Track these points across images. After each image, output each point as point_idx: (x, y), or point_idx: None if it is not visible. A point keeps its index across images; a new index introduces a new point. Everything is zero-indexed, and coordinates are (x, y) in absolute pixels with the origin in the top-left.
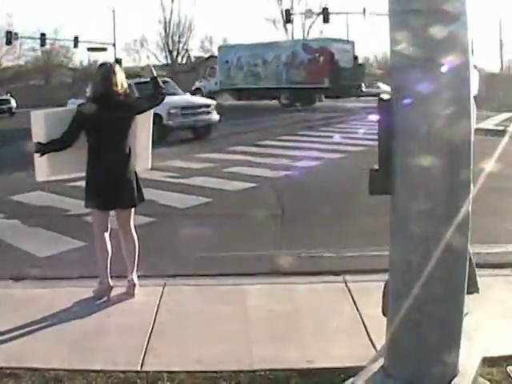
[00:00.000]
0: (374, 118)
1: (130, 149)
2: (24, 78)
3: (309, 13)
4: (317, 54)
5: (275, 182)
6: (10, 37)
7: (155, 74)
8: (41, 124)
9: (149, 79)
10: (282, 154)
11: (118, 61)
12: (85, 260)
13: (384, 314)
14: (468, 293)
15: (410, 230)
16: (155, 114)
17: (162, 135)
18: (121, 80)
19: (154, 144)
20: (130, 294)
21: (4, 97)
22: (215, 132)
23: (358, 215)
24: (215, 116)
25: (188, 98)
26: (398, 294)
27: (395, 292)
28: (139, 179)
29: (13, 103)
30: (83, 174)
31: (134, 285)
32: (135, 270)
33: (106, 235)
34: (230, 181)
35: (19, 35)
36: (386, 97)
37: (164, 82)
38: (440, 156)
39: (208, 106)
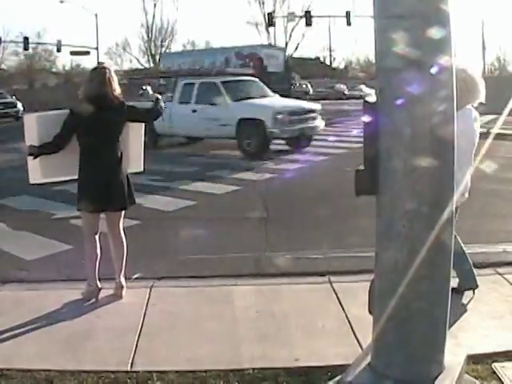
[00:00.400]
0: (339, 119)
1: (121, 152)
2: (7, 83)
3: (291, 16)
4: (247, 60)
5: (259, 185)
6: None
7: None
8: (33, 127)
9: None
10: (266, 156)
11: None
12: (72, 263)
13: (370, 313)
14: (468, 289)
15: (395, 230)
16: (255, 120)
17: (264, 145)
18: (116, 83)
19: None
20: (118, 295)
21: (9, 99)
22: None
23: (342, 217)
24: (321, 123)
25: (294, 102)
26: (383, 292)
27: (381, 290)
28: (131, 182)
29: (19, 107)
30: (74, 177)
31: (122, 286)
32: (123, 272)
33: (96, 238)
34: (215, 184)
35: (1, 39)
36: (370, 99)
37: (157, 100)
38: (424, 157)
39: (314, 111)
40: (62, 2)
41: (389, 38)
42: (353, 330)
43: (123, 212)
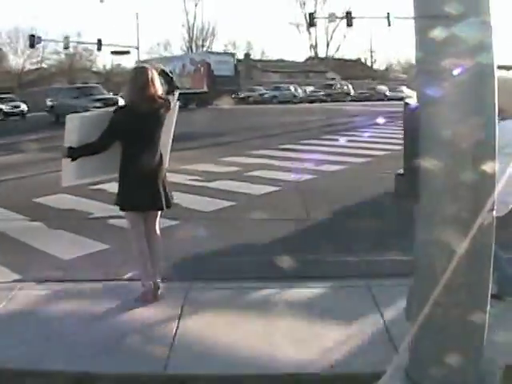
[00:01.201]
0: (381, 120)
1: (161, 151)
2: (47, 81)
3: (332, 17)
4: (199, 65)
5: (300, 186)
6: (34, 40)
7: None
8: (75, 128)
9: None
10: (306, 158)
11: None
12: (108, 262)
13: (407, 319)
14: (508, 296)
15: (434, 235)
16: None
17: None
18: (158, 83)
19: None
20: (154, 297)
21: (16, 103)
22: None
23: (382, 219)
24: None
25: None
26: (422, 299)
27: (419, 297)
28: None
29: (24, 107)
30: (105, 177)
31: (158, 288)
32: (159, 274)
33: (143, 237)
34: (254, 184)
35: (42, 38)
36: (411, 101)
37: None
38: (465, 161)
39: None
40: (102, 1)
41: (429, 39)
42: (389, 336)
43: (159, 212)
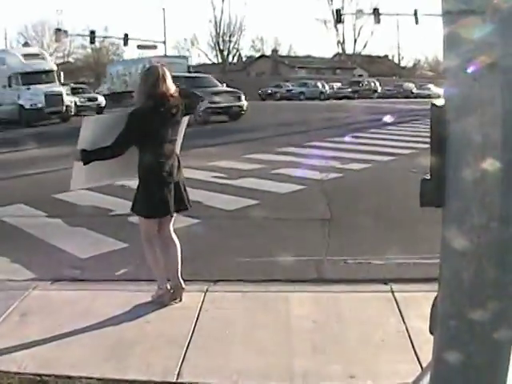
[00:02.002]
0: (388, 119)
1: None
2: (73, 76)
3: (359, 13)
4: None
5: (324, 185)
6: (60, 34)
7: None
8: (90, 130)
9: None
10: (333, 155)
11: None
12: (126, 262)
13: (431, 332)
14: None
15: (462, 246)
16: None
17: None
18: (170, 81)
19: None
20: (177, 297)
21: (92, 95)
22: None
23: (408, 221)
24: None
25: None
26: (447, 312)
27: (444, 310)
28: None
29: (101, 100)
30: (113, 181)
31: (183, 288)
32: (180, 274)
33: (157, 240)
34: (278, 182)
35: (68, 33)
36: (438, 102)
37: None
38: (495, 167)
39: None
40: None
41: (458, 35)
42: (413, 346)
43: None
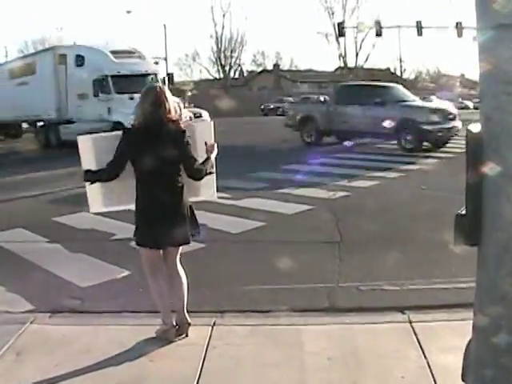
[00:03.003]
0: (348, 144)
1: (182, 182)
2: None
3: (361, 26)
4: None
5: (332, 204)
6: None
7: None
8: (89, 150)
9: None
10: (338, 172)
11: (170, 75)
12: (128, 292)
13: (463, 380)
14: None
15: (500, 290)
16: None
17: None
18: (173, 105)
19: None
20: (183, 333)
21: (196, 110)
22: None
23: (422, 242)
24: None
25: None
26: (482, 360)
27: (479, 358)
28: (194, 211)
29: (205, 115)
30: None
31: (189, 323)
32: (186, 308)
33: (160, 274)
34: (285, 202)
35: None
36: (475, 128)
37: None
38: None
39: None
40: (129, 12)
41: (498, 54)
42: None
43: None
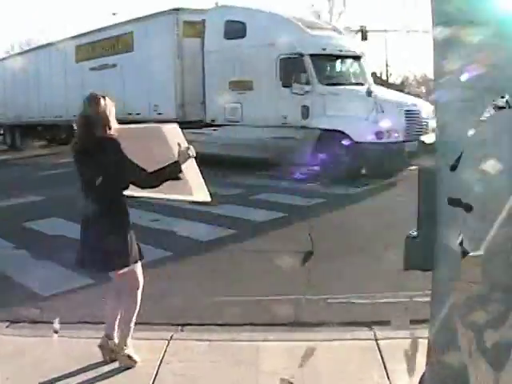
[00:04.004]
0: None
1: (112, 201)
2: None
3: (347, 31)
4: None
5: (306, 212)
6: None
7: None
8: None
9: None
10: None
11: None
12: (89, 302)
13: None
14: None
15: (453, 321)
16: None
17: None
18: (109, 117)
19: None
20: (117, 360)
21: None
22: None
23: (396, 253)
24: None
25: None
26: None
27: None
28: (129, 240)
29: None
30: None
31: (118, 353)
32: (122, 338)
33: (111, 294)
34: (258, 209)
35: None
36: (427, 139)
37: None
38: (499, 224)
39: None
40: (114, 14)
41: (453, 52)
42: None
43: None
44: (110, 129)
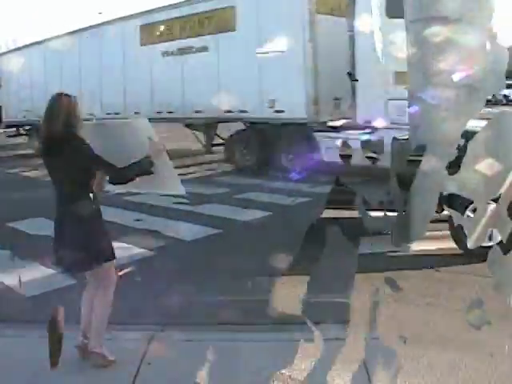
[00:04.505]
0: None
1: (83, 198)
2: None
3: None
4: None
5: (291, 211)
6: None
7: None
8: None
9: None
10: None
11: None
12: (72, 302)
13: None
14: None
15: None
16: None
17: None
18: (75, 117)
19: None
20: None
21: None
22: None
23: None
24: None
25: None
26: None
27: None
28: (105, 235)
29: None
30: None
31: (91, 352)
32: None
33: (84, 294)
34: (243, 209)
35: None
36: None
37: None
38: None
39: None
40: (100, 13)
41: (424, 40)
42: None
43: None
44: (73, 127)
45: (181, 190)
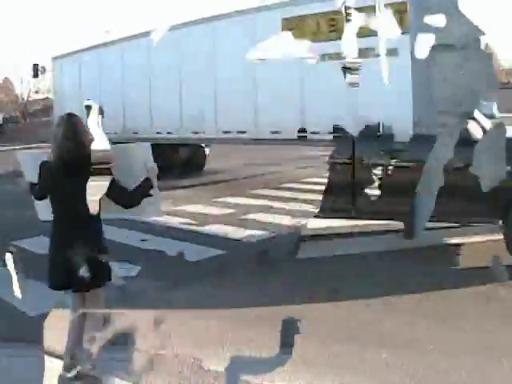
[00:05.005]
0: None
1: (89, 219)
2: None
3: None
4: None
5: (295, 234)
6: (37, 70)
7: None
8: (26, 165)
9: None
10: (306, 198)
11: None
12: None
13: None
14: None
15: None
16: None
17: None
18: (88, 139)
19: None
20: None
21: None
22: None
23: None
24: None
25: None
26: None
27: None
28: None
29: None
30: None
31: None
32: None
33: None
34: (248, 230)
35: (46, 68)
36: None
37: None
38: None
39: None
40: (107, 32)
41: None
42: None
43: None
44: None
45: (160, 213)
